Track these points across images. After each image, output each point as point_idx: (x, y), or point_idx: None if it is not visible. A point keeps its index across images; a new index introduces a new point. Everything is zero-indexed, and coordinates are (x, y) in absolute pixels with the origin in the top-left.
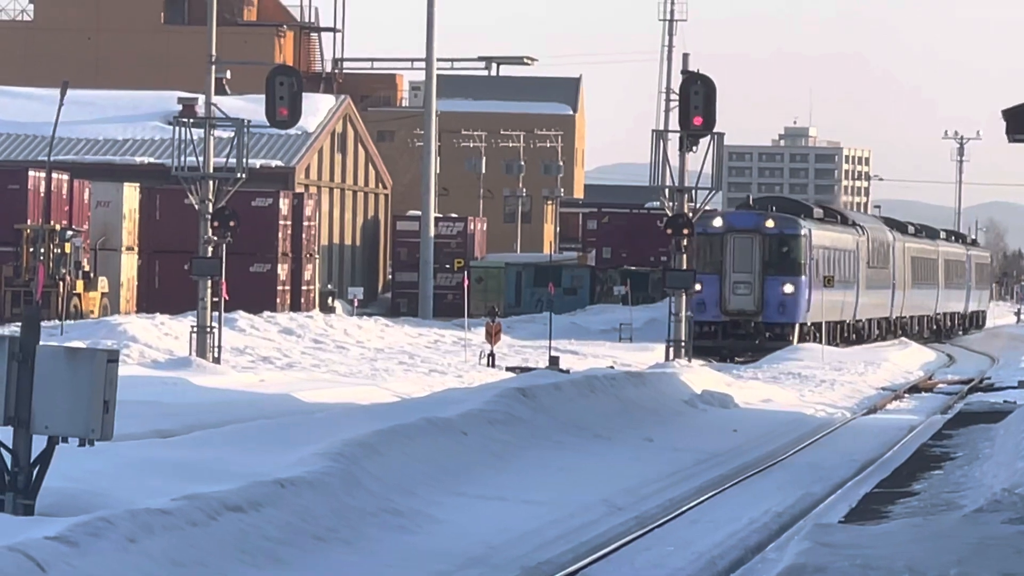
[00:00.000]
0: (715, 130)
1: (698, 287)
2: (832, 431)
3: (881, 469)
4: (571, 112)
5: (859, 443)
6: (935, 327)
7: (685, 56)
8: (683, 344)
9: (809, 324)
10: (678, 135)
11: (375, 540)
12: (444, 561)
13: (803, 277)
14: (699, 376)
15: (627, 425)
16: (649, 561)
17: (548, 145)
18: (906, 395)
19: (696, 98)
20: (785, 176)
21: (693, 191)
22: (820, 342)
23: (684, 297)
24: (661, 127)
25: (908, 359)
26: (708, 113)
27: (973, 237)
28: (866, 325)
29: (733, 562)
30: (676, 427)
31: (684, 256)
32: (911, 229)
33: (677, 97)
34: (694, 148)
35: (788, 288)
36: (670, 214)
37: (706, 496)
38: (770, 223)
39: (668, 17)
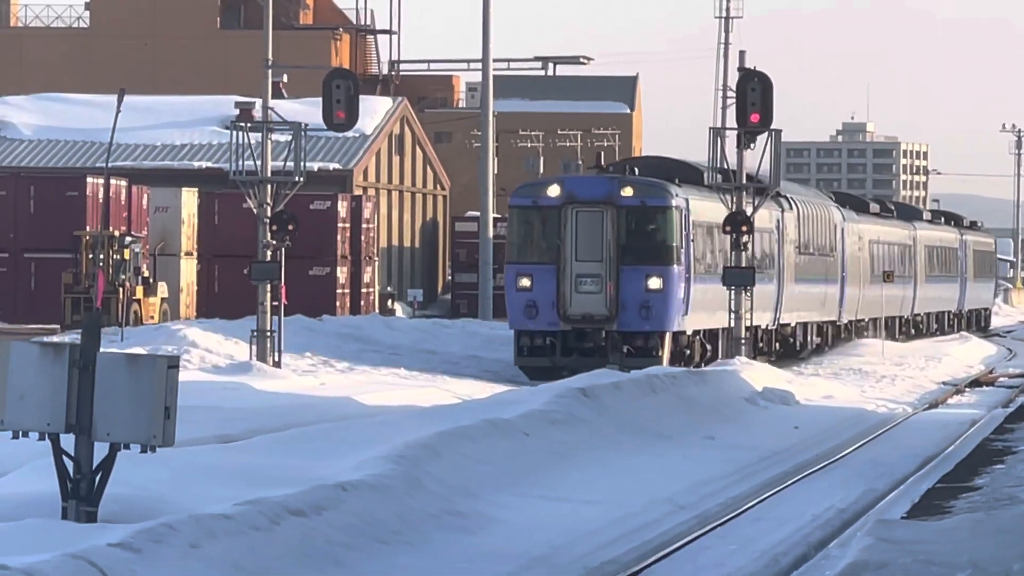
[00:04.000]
0: (772, 127)
1: (524, 282)
2: (894, 426)
3: (943, 464)
4: (628, 111)
5: (921, 438)
6: (910, 331)
7: (741, 53)
8: (742, 342)
9: (689, 333)
10: (735, 132)
11: (437, 542)
12: (506, 562)
13: (675, 267)
14: (760, 373)
15: (688, 424)
16: (711, 560)
17: (606, 144)
18: (967, 389)
19: (753, 95)
20: (843, 172)
21: (751, 188)
22: (697, 360)
23: (744, 294)
24: (718, 124)
25: (969, 353)
26: (765, 110)
27: (973, 220)
28: (796, 331)
29: (796, 559)
30: (737, 425)
31: (743, 253)
32: (875, 207)
33: (734, 94)
34: (752, 145)
35: (655, 282)
36: (728, 212)
37: (768, 493)
38: (628, 191)
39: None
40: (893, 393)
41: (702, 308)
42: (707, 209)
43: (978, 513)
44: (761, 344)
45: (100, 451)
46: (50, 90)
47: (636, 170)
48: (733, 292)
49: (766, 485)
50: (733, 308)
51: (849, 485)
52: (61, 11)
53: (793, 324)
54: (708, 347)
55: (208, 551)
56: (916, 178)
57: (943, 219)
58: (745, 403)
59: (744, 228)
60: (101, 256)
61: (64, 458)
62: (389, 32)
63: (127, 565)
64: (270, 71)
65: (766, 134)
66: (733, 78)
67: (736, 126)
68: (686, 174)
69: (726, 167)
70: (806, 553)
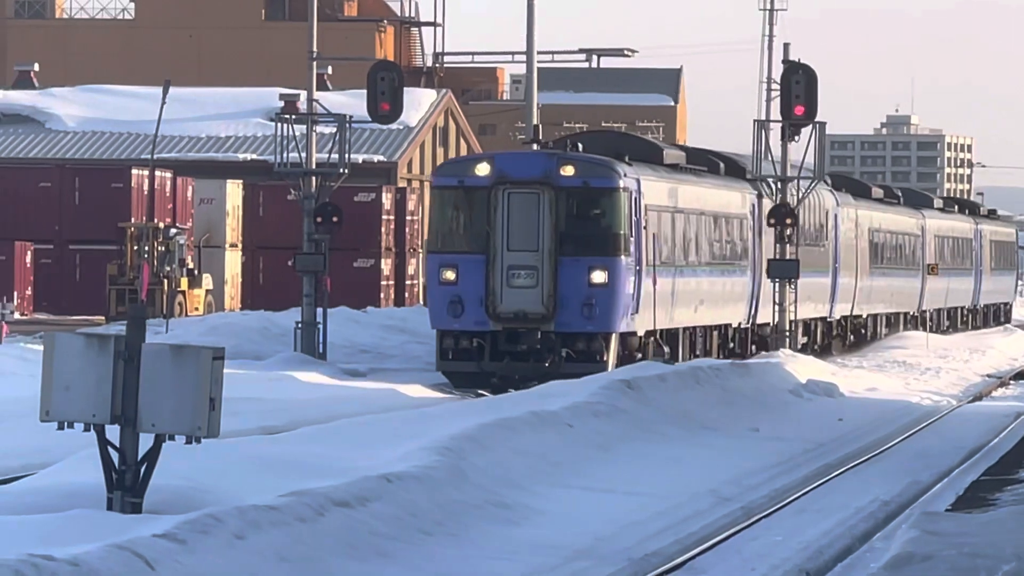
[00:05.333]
0: (817, 119)
1: (448, 275)
2: (938, 419)
3: (988, 456)
4: (672, 103)
5: (965, 430)
6: (917, 328)
7: (786, 45)
8: (787, 334)
9: (641, 334)
10: (780, 125)
11: (481, 533)
12: (550, 553)
13: (623, 258)
14: (804, 365)
15: (732, 415)
16: (756, 551)
17: (650, 136)
18: (1011, 382)
19: (797, 87)
20: (887, 164)
21: (796, 180)
22: (665, 357)
23: (788, 286)
24: (763, 117)
25: (1013, 346)
26: (810, 102)
27: (992, 208)
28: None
29: (840, 551)
30: (782, 416)
31: (788, 246)
32: (878, 192)
33: (778, 87)
34: (796, 138)
35: (598, 276)
36: (772, 204)
37: (813, 485)
38: (568, 169)
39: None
40: (937, 385)
41: (658, 306)
42: (666, 191)
43: (1023, 505)
44: (732, 345)
45: (145, 442)
46: (95, 82)
47: (580, 146)
48: (777, 284)
49: (811, 477)
50: (777, 301)
51: (894, 477)
52: (106, 3)
53: (772, 323)
54: (667, 349)
55: (253, 542)
56: (960, 171)
57: (957, 207)
58: (789, 395)
59: (788, 221)
60: (146, 248)
61: (109, 449)
62: (433, 24)
63: (172, 556)
64: (315, 63)
65: (810, 126)
66: (778, 71)
67: (780, 118)
68: (642, 151)
69: (770, 159)
70: (851, 545)
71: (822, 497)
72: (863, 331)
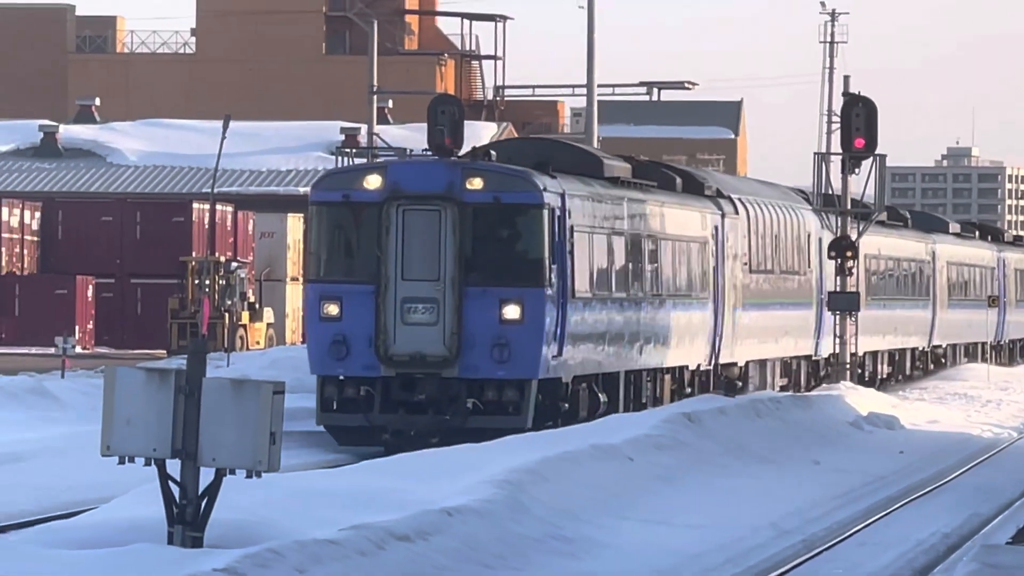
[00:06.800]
0: (877, 151)
1: (331, 309)
2: (999, 451)
3: None
4: (733, 136)
5: None
6: (927, 366)
7: (846, 78)
8: (847, 366)
9: (567, 380)
10: (840, 157)
11: (542, 566)
12: None
13: (544, 289)
14: (864, 398)
15: (793, 448)
16: None
17: (711, 169)
18: None
19: (857, 120)
20: (948, 196)
21: (857, 213)
22: (583, 416)
23: (848, 319)
24: (823, 149)
25: None
26: (870, 135)
27: (1018, 235)
28: (749, 372)
29: None
30: (842, 449)
31: (848, 278)
32: (881, 216)
33: (839, 119)
34: (856, 170)
35: (512, 311)
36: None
37: (874, 518)
38: (476, 182)
39: (828, 39)
40: (998, 418)
41: (589, 346)
42: (600, 210)
43: None
44: (689, 389)
45: (206, 476)
46: (156, 116)
47: (493, 154)
48: (837, 317)
49: (871, 510)
50: (838, 333)
51: (954, 510)
52: (167, 37)
53: (741, 363)
54: (604, 398)
55: None
56: (1021, 203)
57: (978, 233)
58: (850, 427)
59: (849, 253)
60: (207, 281)
61: (170, 483)
62: (494, 58)
63: None
64: (375, 97)
65: (871, 159)
66: (838, 103)
67: (841, 151)
68: (576, 163)
69: (831, 191)
70: None
71: (883, 530)
72: (859, 370)
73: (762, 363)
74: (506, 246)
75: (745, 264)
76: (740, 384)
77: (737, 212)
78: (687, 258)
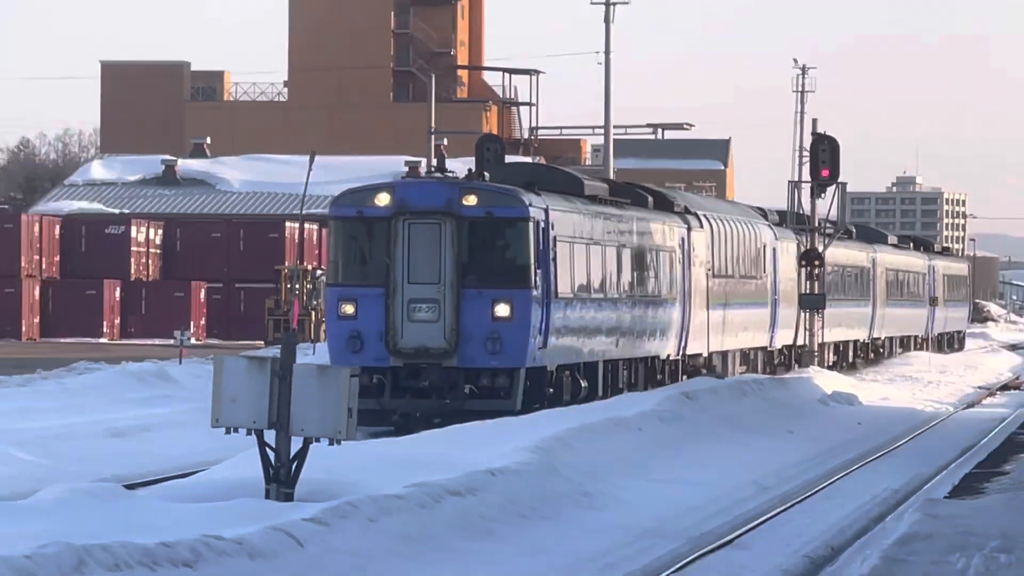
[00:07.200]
0: (839, 180)
1: (347, 309)
2: (938, 423)
3: (978, 453)
4: (723, 167)
5: (960, 432)
6: (868, 355)
7: (814, 120)
8: (815, 354)
9: (551, 369)
10: (809, 185)
11: (569, 516)
12: (625, 532)
13: (530, 290)
14: (829, 379)
15: (772, 421)
16: (792, 531)
17: (703, 195)
18: (999, 392)
19: (823, 154)
20: (897, 216)
21: (823, 230)
22: (567, 399)
23: (816, 315)
24: (796, 178)
25: (1000, 363)
26: (833, 166)
27: (946, 246)
28: (714, 361)
29: (859, 530)
30: (812, 421)
31: (816, 283)
32: (829, 230)
33: (808, 153)
34: (823, 195)
35: (503, 309)
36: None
37: (837, 477)
38: (471, 199)
39: (800, 89)
40: (938, 395)
41: (571, 339)
42: (579, 222)
43: (1007, 493)
44: (660, 376)
45: (296, 444)
46: (256, 151)
47: (486, 175)
48: (807, 313)
49: (835, 470)
50: (807, 327)
51: (902, 470)
52: (265, 88)
53: (706, 354)
54: (584, 383)
55: (383, 524)
56: (957, 221)
57: (911, 244)
58: (818, 404)
59: (816, 262)
60: (297, 286)
61: (267, 450)
62: (529, 104)
63: (318, 536)
64: (433, 136)
65: (834, 186)
66: (808, 140)
67: (810, 179)
68: (560, 183)
69: (801, 212)
70: (867, 525)
71: (844, 487)
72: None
73: (724, 354)
74: (497, 254)
75: (709, 270)
76: (704, 371)
77: (702, 226)
78: (657, 264)
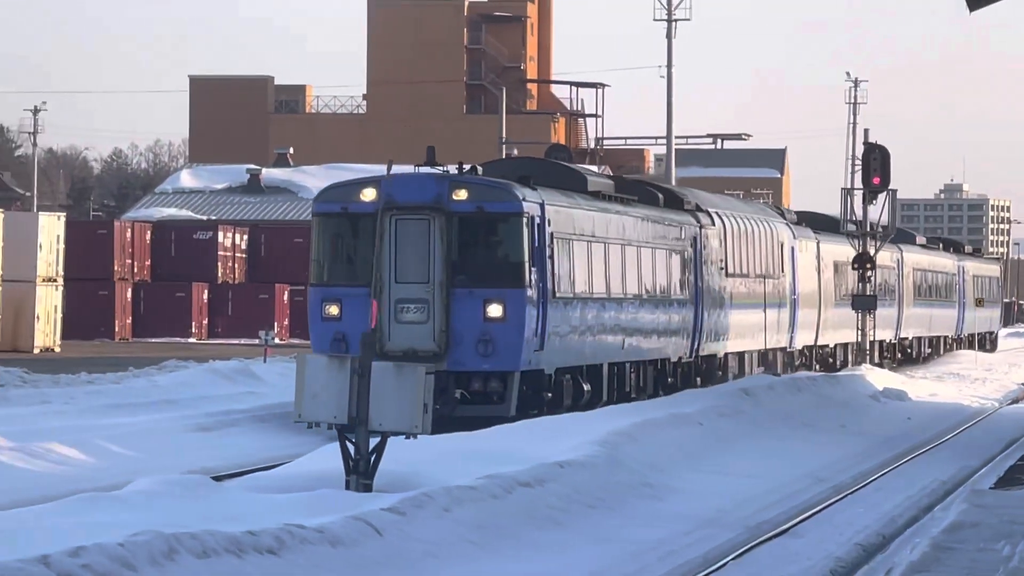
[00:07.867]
0: (890, 187)
1: (332, 310)
2: (984, 418)
3: (1023, 446)
4: (779, 175)
5: (1005, 426)
6: (895, 355)
7: (866, 130)
8: (867, 352)
9: (549, 372)
10: (861, 192)
11: (633, 507)
12: (686, 522)
13: (525, 290)
14: (880, 376)
15: (825, 416)
16: (845, 520)
17: (761, 202)
18: None
19: (875, 163)
20: (945, 222)
21: (875, 235)
22: (568, 404)
23: (868, 316)
24: (848, 186)
25: None
26: (884, 174)
27: (976, 247)
28: (728, 362)
29: (909, 520)
30: (863, 416)
31: (867, 285)
32: (852, 228)
33: (861, 162)
34: (874, 202)
35: (495, 309)
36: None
37: (887, 469)
38: (461, 193)
39: (853, 101)
40: (984, 392)
41: (571, 341)
42: (579, 219)
43: None
44: (671, 379)
45: (374, 439)
46: (336, 161)
47: (479, 169)
48: (859, 314)
49: (886, 463)
50: (860, 327)
51: (950, 462)
52: (345, 100)
53: (721, 355)
54: (588, 387)
55: (457, 514)
56: (1002, 226)
57: (940, 245)
58: (869, 399)
59: (868, 266)
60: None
61: (347, 443)
62: (595, 116)
63: (395, 525)
64: (504, 146)
65: (885, 193)
66: (860, 149)
67: (862, 187)
68: (559, 179)
69: (855, 218)
70: (917, 515)
71: (895, 478)
72: (831, 360)
73: (740, 355)
74: (489, 251)
75: (722, 269)
76: (720, 373)
77: (714, 224)
78: (667, 263)
